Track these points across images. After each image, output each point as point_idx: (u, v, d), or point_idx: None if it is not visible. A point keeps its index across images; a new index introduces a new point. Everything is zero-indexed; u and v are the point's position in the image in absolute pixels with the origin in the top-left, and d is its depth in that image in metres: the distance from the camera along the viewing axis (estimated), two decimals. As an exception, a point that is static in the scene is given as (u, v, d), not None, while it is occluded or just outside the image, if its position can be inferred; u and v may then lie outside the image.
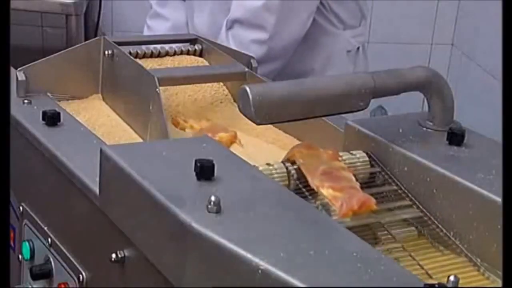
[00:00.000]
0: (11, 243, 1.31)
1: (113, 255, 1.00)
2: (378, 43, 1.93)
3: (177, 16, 1.93)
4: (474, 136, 1.08)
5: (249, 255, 0.78)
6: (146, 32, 1.96)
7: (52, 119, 1.21)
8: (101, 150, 0.99)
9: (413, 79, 1.08)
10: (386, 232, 0.98)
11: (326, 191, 0.99)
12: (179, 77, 1.35)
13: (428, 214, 1.01)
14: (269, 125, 1.28)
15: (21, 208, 1.26)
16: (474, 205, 0.95)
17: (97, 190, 1.03)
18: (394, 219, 1.00)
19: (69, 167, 1.11)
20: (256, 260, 0.77)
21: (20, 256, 1.26)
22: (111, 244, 1.01)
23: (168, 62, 1.43)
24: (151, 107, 1.24)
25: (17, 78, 1.32)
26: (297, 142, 1.29)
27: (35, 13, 2.72)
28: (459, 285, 0.77)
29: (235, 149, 1.22)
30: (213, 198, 0.85)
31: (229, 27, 1.71)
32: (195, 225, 0.83)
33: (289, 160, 1.05)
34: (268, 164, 1.03)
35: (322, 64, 1.80)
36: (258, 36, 1.68)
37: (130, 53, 1.38)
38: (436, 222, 1.00)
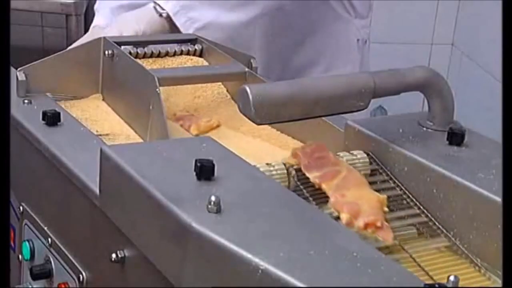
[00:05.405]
0: (11, 243, 1.31)
1: (113, 255, 1.00)
2: (378, 43, 1.93)
3: None
4: (474, 136, 1.08)
5: (249, 255, 0.78)
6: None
7: (52, 119, 1.21)
8: (101, 150, 0.99)
9: (413, 79, 1.08)
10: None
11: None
12: (179, 77, 1.35)
13: (428, 214, 1.01)
14: (269, 125, 1.28)
15: (21, 208, 1.26)
16: (474, 205, 0.95)
17: (97, 190, 1.02)
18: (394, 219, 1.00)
19: (69, 167, 1.11)
20: (256, 260, 0.77)
21: (20, 256, 1.26)
22: (111, 244, 1.01)
23: (168, 62, 1.43)
24: (151, 107, 1.24)
25: (17, 78, 1.32)
26: (297, 142, 1.29)
27: (35, 13, 2.73)
28: (459, 285, 0.77)
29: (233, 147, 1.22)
30: (213, 198, 0.85)
31: None
32: (195, 225, 0.83)
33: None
34: (268, 164, 1.03)
35: (332, 51, 1.79)
36: None
37: (130, 53, 1.38)
38: (436, 222, 1.00)
